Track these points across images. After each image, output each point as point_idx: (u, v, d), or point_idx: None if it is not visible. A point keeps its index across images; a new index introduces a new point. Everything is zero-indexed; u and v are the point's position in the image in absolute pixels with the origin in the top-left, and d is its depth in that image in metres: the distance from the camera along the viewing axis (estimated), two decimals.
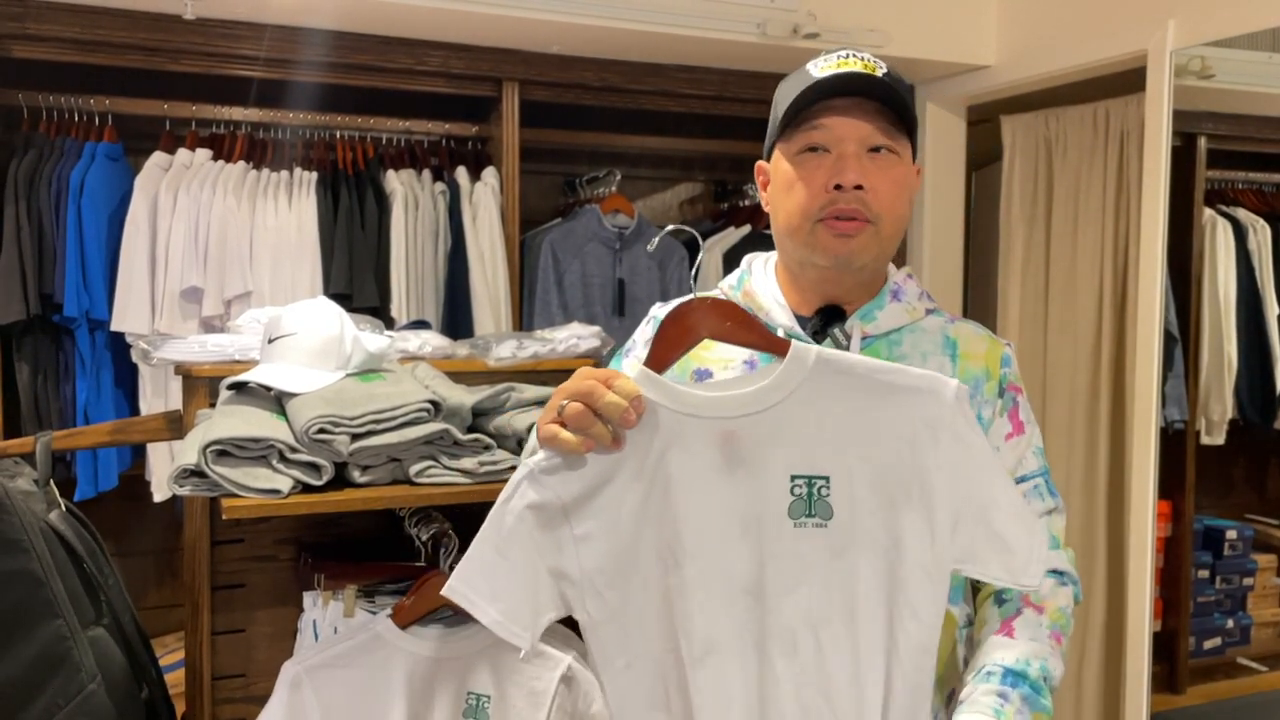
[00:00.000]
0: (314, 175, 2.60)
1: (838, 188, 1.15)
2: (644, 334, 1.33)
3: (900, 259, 3.03)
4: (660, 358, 1.06)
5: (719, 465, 1.02)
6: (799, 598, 1.02)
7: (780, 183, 1.21)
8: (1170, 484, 2.65)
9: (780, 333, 1.22)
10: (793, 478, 1.02)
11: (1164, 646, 2.69)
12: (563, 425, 0.99)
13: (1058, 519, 1.25)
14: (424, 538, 1.64)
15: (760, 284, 1.27)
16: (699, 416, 1.02)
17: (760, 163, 1.27)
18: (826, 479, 1.02)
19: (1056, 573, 1.23)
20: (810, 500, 1.02)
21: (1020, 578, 1.02)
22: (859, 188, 1.15)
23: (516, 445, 1.58)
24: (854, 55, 1.17)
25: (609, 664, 1.05)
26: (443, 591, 1.04)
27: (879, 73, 1.16)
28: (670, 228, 2.20)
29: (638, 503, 1.02)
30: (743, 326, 1.06)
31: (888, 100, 1.15)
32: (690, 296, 1.11)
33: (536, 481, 1.02)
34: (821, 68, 1.17)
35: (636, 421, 0.99)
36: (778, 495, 1.02)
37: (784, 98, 1.20)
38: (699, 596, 1.02)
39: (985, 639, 1.18)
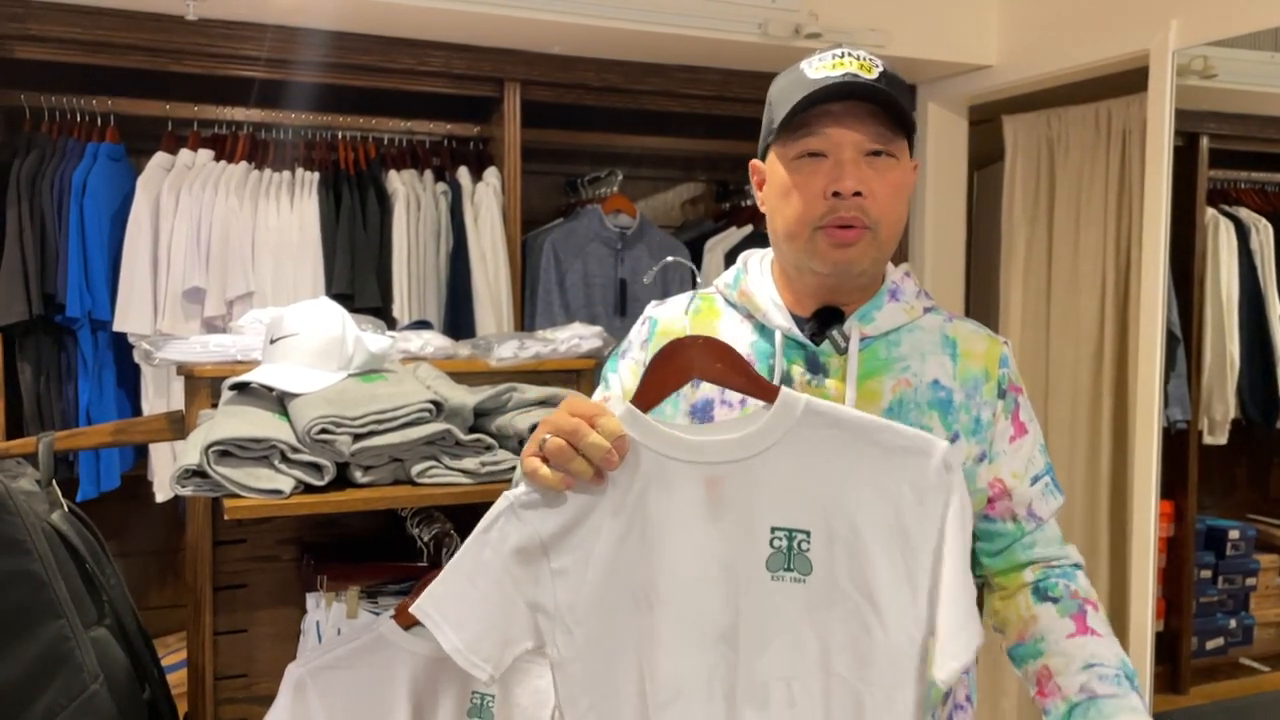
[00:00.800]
0: (316, 175, 2.60)
1: (836, 195, 1.14)
2: (639, 335, 1.32)
3: (901, 259, 3.03)
4: (649, 396, 1.05)
5: (700, 510, 1.01)
6: (772, 652, 1.01)
7: (777, 188, 1.20)
8: (1173, 484, 2.65)
9: (777, 335, 1.21)
10: (773, 529, 1.01)
11: (1166, 647, 2.69)
12: (545, 460, 0.99)
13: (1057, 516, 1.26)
14: (426, 538, 1.64)
15: (757, 284, 1.26)
16: (682, 460, 1.01)
17: (755, 161, 1.26)
18: (807, 534, 1.01)
19: (1077, 566, 1.26)
20: (789, 554, 1.01)
21: (933, 666, 0.99)
22: (858, 194, 1.14)
23: (518, 445, 1.58)
24: (849, 54, 1.16)
25: (573, 704, 1.03)
26: (410, 610, 1.04)
27: (875, 73, 1.14)
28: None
29: (615, 542, 1.02)
30: (733, 370, 1.05)
31: (885, 103, 1.14)
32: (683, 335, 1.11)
33: (516, 515, 1.02)
34: (817, 68, 1.15)
35: (619, 463, 0.99)
36: (757, 546, 1.01)
37: (779, 99, 1.19)
38: (669, 641, 1.01)
39: (1058, 635, 1.18)
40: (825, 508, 1.01)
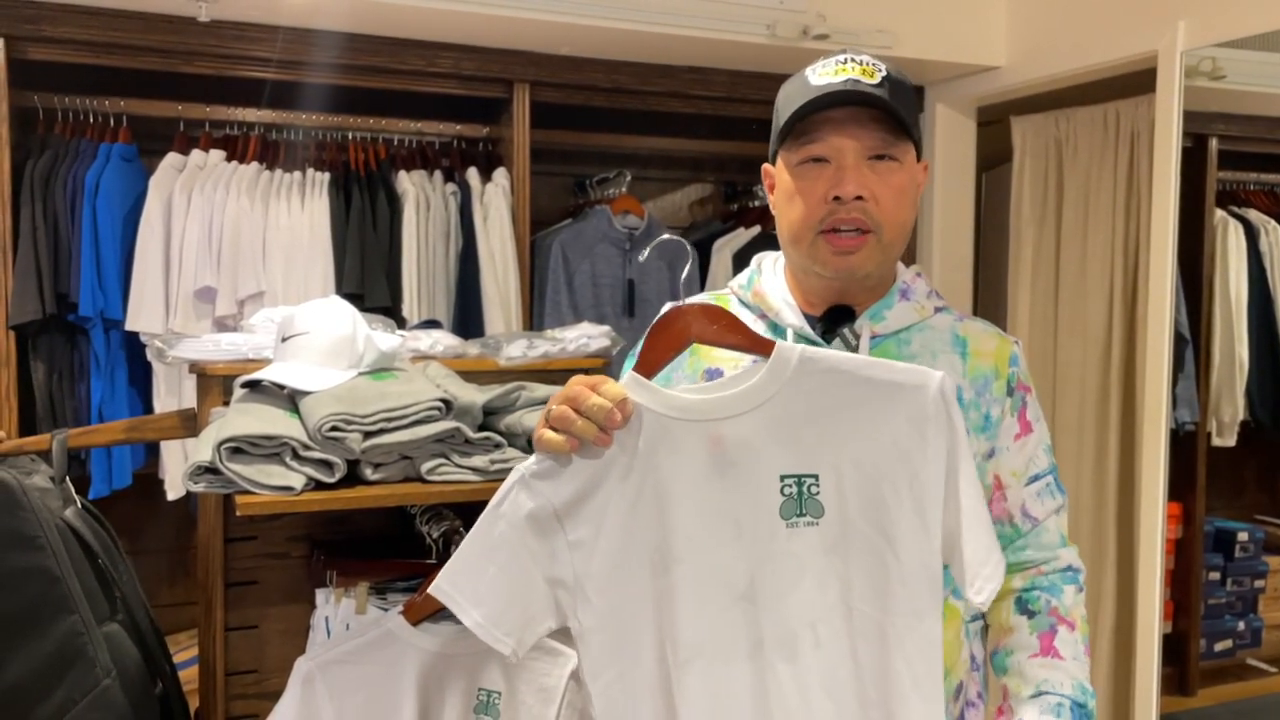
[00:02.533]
0: (326, 176, 2.61)
1: (837, 199, 1.16)
2: None
3: (909, 260, 3.02)
4: (650, 362, 1.07)
5: (709, 467, 1.03)
6: (795, 598, 1.02)
7: (782, 192, 1.22)
8: (1181, 486, 2.64)
9: (790, 333, 1.23)
10: (782, 477, 1.02)
11: (1175, 648, 2.69)
12: (553, 428, 1.01)
13: (1064, 515, 1.27)
14: (435, 535, 1.65)
15: (770, 284, 1.28)
16: (686, 420, 1.03)
17: (766, 165, 1.28)
18: (815, 477, 1.03)
19: (1072, 570, 1.25)
20: (801, 499, 1.02)
21: (965, 590, 1.03)
22: (859, 198, 1.15)
23: (527, 443, 1.59)
24: (852, 60, 1.17)
25: (598, 676, 1.04)
26: (429, 590, 1.05)
27: (877, 77, 1.16)
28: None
29: (628, 507, 1.03)
30: (728, 329, 1.07)
31: (886, 108, 1.15)
32: (680, 302, 1.12)
33: (527, 486, 1.03)
34: (820, 74, 1.17)
35: (622, 422, 1.01)
36: (768, 496, 1.02)
37: (783, 106, 1.20)
38: (688, 600, 1.02)
39: (1023, 654, 1.20)
40: (830, 450, 1.03)
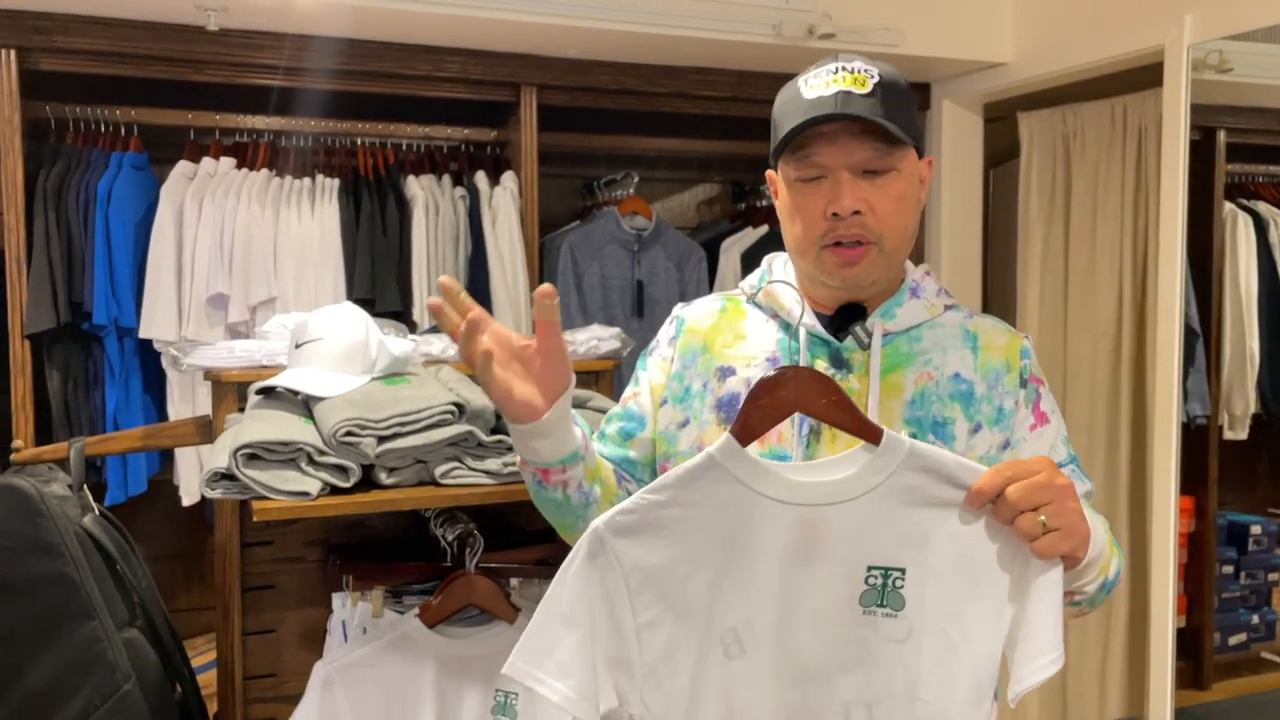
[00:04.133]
0: (336, 182, 2.63)
1: (835, 215, 1.16)
2: (666, 333, 1.35)
3: (918, 257, 3.03)
4: (749, 428, 1.04)
5: (795, 551, 1.02)
6: (856, 679, 1.03)
7: (784, 206, 1.24)
8: (1193, 479, 2.64)
9: (802, 332, 1.23)
10: (869, 568, 1.02)
11: (1188, 642, 2.69)
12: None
13: (1090, 503, 1.27)
14: (449, 538, 1.66)
15: (780, 284, 1.29)
16: (781, 501, 1.02)
17: (769, 172, 1.29)
18: (903, 571, 1.02)
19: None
20: (884, 591, 1.03)
21: (1019, 668, 1.02)
22: (857, 213, 1.16)
23: None
24: (843, 69, 1.17)
25: None
26: (505, 671, 1.00)
27: (869, 85, 1.15)
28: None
29: (706, 586, 1.02)
30: (838, 407, 1.04)
31: (876, 125, 1.15)
32: (784, 366, 1.11)
33: (604, 551, 1.01)
34: (811, 85, 1.17)
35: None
36: (852, 584, 1.02)
37: (778, 119, 1.21)
38: (756, 683, 1.02)
39: None
40: (920, 546, 1.02)
